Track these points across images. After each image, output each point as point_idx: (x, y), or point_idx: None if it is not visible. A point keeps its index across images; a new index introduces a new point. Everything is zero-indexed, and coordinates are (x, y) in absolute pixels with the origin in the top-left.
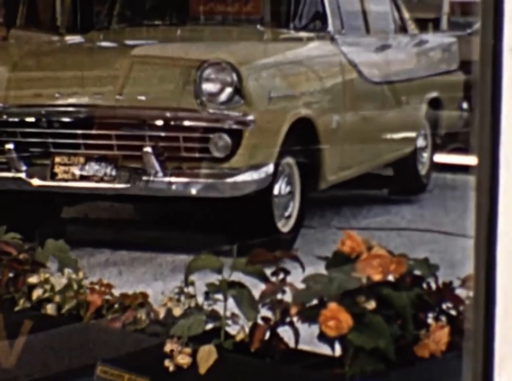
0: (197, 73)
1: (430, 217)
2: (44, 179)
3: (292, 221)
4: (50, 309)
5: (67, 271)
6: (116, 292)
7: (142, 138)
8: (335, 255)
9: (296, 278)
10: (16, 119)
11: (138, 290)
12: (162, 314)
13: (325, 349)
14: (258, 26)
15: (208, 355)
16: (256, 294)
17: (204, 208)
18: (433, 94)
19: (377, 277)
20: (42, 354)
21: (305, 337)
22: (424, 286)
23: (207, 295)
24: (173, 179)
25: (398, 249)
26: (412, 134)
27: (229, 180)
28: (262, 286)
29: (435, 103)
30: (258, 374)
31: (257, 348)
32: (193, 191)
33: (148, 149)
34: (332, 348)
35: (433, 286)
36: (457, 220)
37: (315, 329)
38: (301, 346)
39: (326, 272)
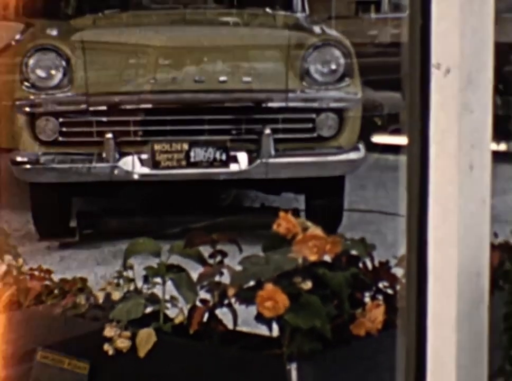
0: (306, 54)
1: (372, 197)
2: (147, 168)
3: None
4: None
5: (7, 257)
6: (56, 277)
7: (245, 121)
8: (271, 237)
9: (233, 260)
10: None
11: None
12: (101, 299)
13: (263, 330)
14: (267, 9)
15: (147, 338)
16: (195, 277)
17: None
18: None
19: (312, 257)
20: None
21: (246, 319)
22: (361, 265)
23: (145, 279)
24: (287, 160)
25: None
26: None
27: (338, 158)
28: (200, 269)
29: None
30: (197, 356)
31: (196, 330)
32: (304, 171)
33: (268, 131)
34: (270, 329)
35: (369, 265)
36: (397, 200)
37: (253, 310)
38: (240, 328)
39: (262, 253)
